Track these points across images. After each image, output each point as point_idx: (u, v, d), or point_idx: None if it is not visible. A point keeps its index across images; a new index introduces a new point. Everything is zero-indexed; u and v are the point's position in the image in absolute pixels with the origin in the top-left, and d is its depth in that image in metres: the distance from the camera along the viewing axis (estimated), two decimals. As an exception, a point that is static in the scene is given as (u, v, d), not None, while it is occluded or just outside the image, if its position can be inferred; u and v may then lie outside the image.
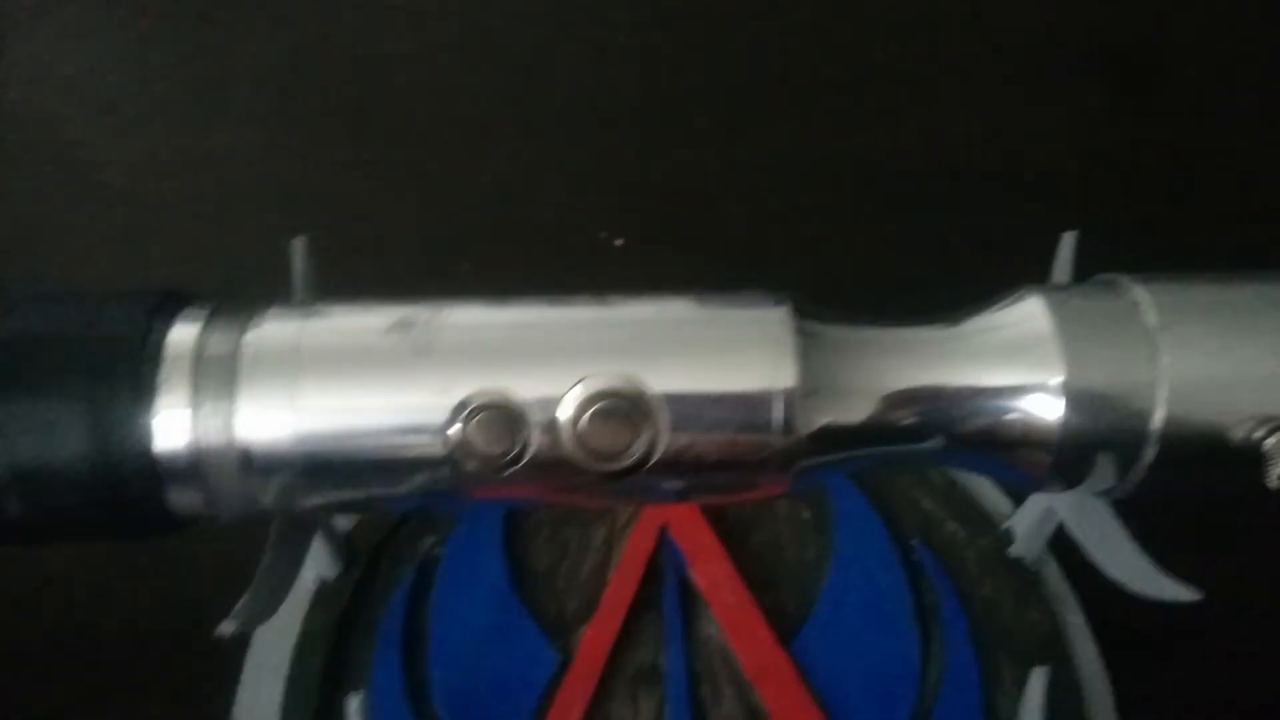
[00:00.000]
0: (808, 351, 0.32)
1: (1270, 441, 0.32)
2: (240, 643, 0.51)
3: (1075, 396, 0.32)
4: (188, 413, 0.31)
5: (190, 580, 0.52)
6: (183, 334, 0.32)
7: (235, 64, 0.82)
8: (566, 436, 0.31)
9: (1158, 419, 0.32)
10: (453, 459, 0.31)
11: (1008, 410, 0.33)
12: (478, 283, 0.35)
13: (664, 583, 0.53)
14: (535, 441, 0.31)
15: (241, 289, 0.35)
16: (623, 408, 0.31)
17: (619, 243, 0.77)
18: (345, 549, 0.52)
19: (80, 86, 0.80)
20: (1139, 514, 0.38)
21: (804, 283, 0.35)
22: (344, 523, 0.53)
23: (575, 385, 0.31)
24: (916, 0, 0.88)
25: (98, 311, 0.32)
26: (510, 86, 0.82)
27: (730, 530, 0.55)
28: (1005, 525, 0.55)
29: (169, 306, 0.33)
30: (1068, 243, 0.42)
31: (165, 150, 0.77)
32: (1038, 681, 0.49)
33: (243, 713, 0.49)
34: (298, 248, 0.40)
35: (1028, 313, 0.34)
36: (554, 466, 0.31)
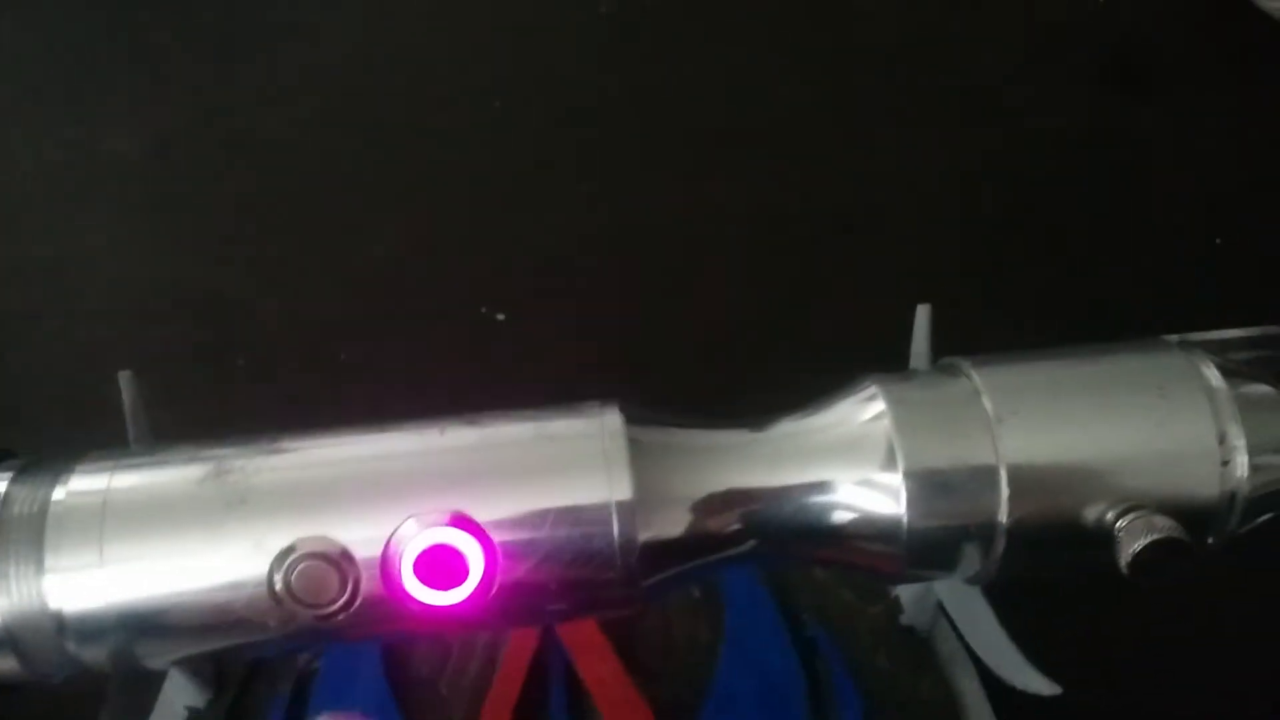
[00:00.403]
0: (638, 460, 0.31)
1: (1121, 524, 0.31)
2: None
3: (916, 486, 0.32)
4: (-6, 580, 0.30)
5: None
6: (-13, 495, 0.31)
7: (102, 157, 0.80)
8: (397, 576, 0.30)
9: (1004, 507, 0.32)
10: (280, 610, 0.30)
11: (848, 506, 0.33)
12: (355, 370, 0.34)
13: (550, 683, 0.52)
14: (365, 584, 0.30)
15: (94, 400, 0.34)
16: (454, 544, 0.30)
17: (500, 317, 0.76)
18: (214, 673, 0.50)
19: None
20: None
21: (684, 342, 0.35)
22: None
23: (404, 523, 0.30)
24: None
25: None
26: (380, 164, 0.81)
27: (618, 623, 0.54)
28: (894, 594, 0.55)
29: (-14, 457, 0.32)
30: (923, 315, 0.42)
31: (17, 258, 0.76)
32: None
33: None
34: (125, 383, 0.38)
35: (865, 404, 0.33)
36: (389, 606, 0.30)
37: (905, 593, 0.53)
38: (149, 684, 0.37)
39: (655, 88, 0.86)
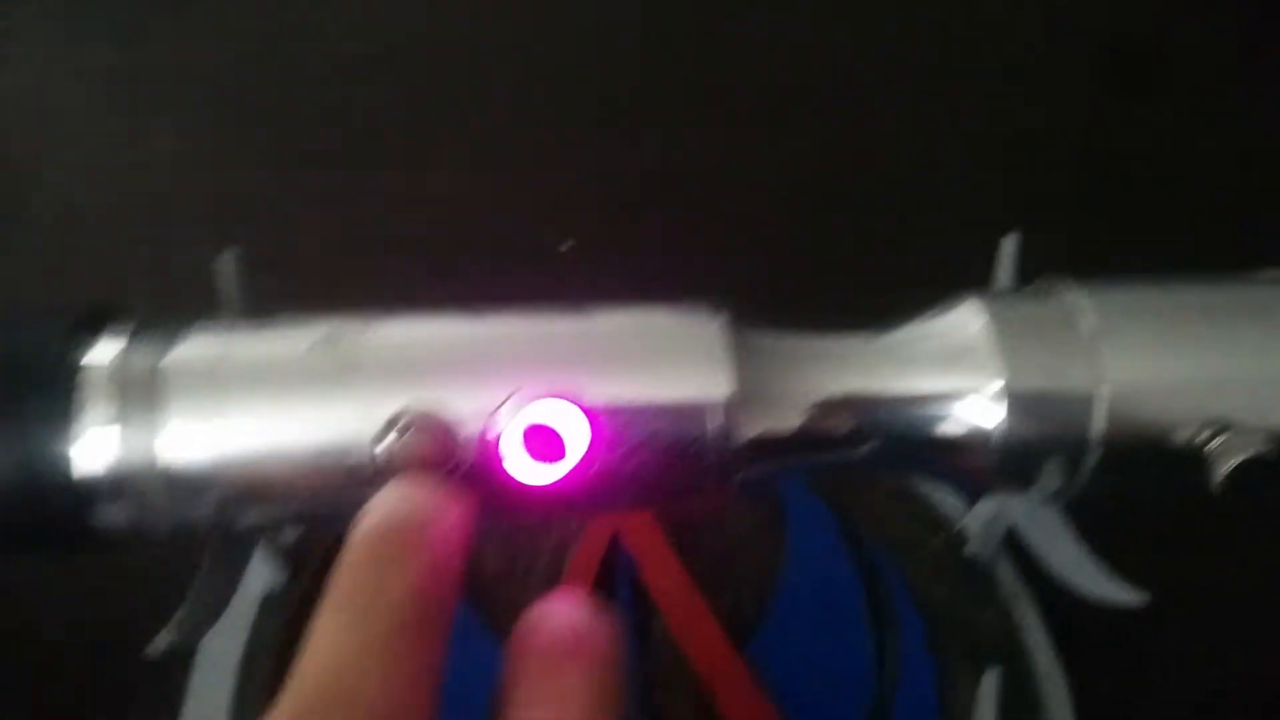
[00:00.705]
0: (744, 361, 0.32)
1: (1213, 445, 0.32)
2: (187, 656, 0.50)
3: (1015, 401, 0.32)
4: (110, 432, 0.30)
5: (137, 592, 0.51)
6: (104, 352, 0.31)
7: (176, 73, 0.81)
8: (500, 450, 0.31)
9: (1099, 423, 0.32)
10: (385, 475, 0.31)
11: (946, 416, 0.33)
12: (424, 291, 0.34)
13: (617, 587, 0.53)
14: (467, 456, 0.31)
15: (177, 299, 0.34)
16: (559, 419, 0.31)
17: (565, 247, 0.76)
18: (291, 560, 0.51)
19: (18, 97, 0.79)
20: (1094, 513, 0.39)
21: (753, 285, 0.35)
22: (288, 534, 0.53)
23: (509, 398, 0.31)
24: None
25: (16, 330, 0.32)
26: (453, 95, 0.82)
27: (683, 532, 0.55)
28: (958, 526, 0.55)
29: (90, 324, 0.32)
30: (1010, 246, 0.42)
31: (102, 160, 0.76)
32: (990, 685, 0.49)
33: (190, 711, 0.48)
34: (226, 262, 0.39)
35: (967, 318, 0.34)
36: (490, 480, 0.31)
37: (972, 523, 0.54)
38: (241, 554, 0.38)
39: (723, 42, 0.86)
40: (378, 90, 0.81)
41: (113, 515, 0.31)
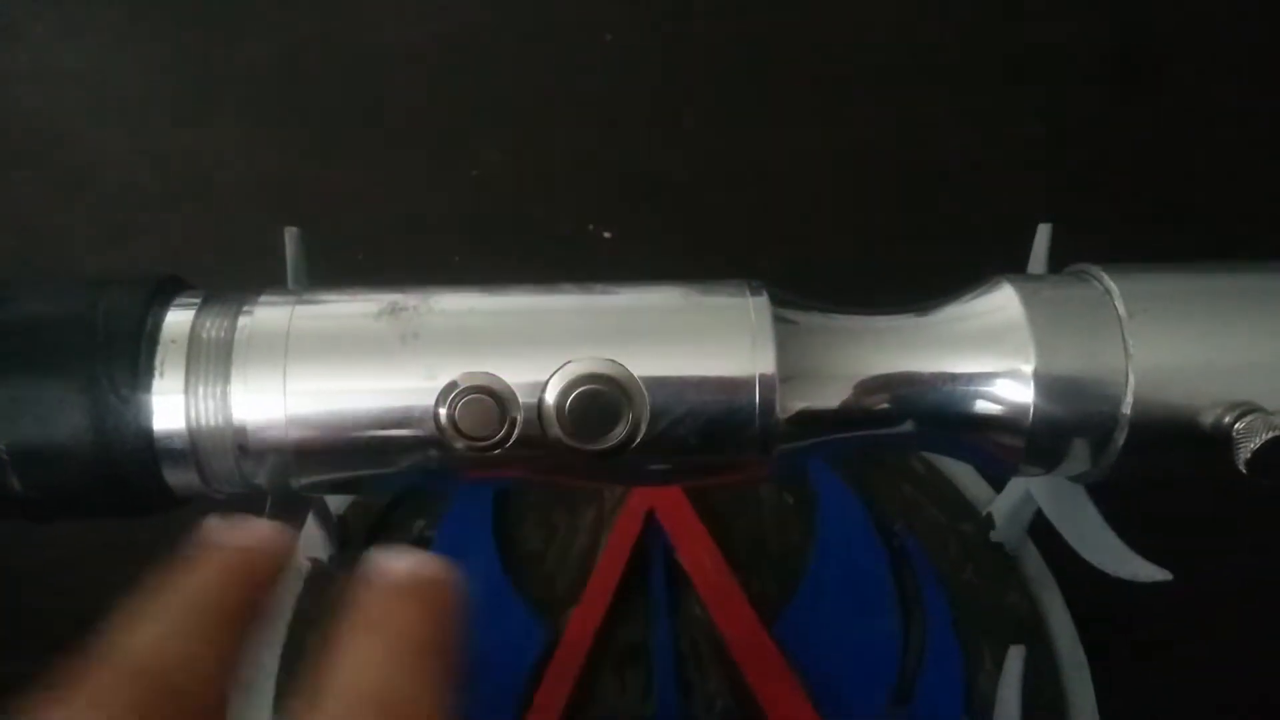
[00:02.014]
0: (785, 338, 0.33)
1: (1240, 425, 0.33)
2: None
3: (1046, 383, 0.33)
4: (183, 395, 0.32)
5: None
6: (179, 318, 0.33)
7: (231, 62, 0.82)
8: (552, 418, 0.32)
9: (1127, 405, 0.33)
10: (441, 440, 0.32)
11: (980, 396, 0.34)
12: (468, 274, 0.36)
13: (651, 565, 0.54)
14: (521, 423, 0.32)
15: (233, 279, 0.36)
16: (607, 391, 0.32)
17: (608, 235, 0.78)
18: (339, 532, 0.52)
19: (78, 83, 0.81)
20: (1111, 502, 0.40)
21: (785, 273, 0.36)
22: (337, 506, 0.54)
23: (561, 368, 0.32)
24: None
25: (96, 296, 0.33)
26: (497, 83, 0.83)
27: (715, 516, 0.56)
28: (986, 511, 0.56)
29: (165, 292, 0.34)
30: (1043, 234, 0.43)
31: (161, 144, 0.78)
32: (1015, 660, 0.50)
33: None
34: (290, 237, 0.41)
35: (1000, 301, 0.35)
36: (540, 447, 0.32)
37: (998, 509, 0.55)
38: (299, 516, 0.39)
39: (769, 32, 0.87)
40: (424, 77, 0.83)
41: (185, 474, 0.33)
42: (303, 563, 0.52)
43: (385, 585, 0.28)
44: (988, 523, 0.56)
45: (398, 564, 0.29)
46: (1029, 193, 0.78)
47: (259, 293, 0.34)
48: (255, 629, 0.28)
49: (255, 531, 0.30)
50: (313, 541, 0.51)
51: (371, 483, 0.34)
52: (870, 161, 0.81)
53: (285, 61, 0.82)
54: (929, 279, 0.38)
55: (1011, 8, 0.88)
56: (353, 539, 0.53)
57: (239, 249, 0.37)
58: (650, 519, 0.55)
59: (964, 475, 0.60)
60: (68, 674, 0.24)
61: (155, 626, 0.26)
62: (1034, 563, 0.56)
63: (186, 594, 0.27)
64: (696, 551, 0.54)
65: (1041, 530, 0.55)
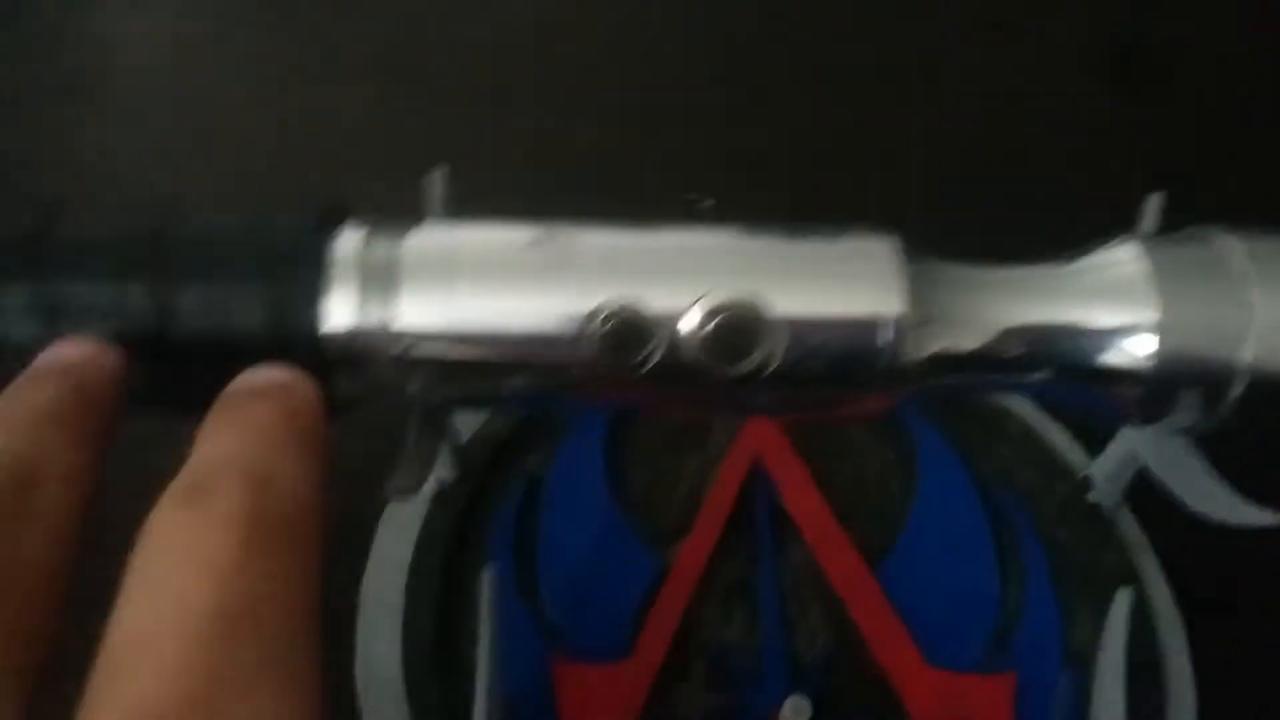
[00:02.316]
0: (918, 281, 0.35)
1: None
2: (365, 534, 0.54)
3: (1168, 336, 0.35)
4: (353, 306, 0.34)
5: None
6: (351, 237, 0.35)
7: (353, 28, 0.85)
8: (691, 343, 0.34)
9: (1246, 360, 0.34)
10: (586, 361, 0.34)
11: (1104, 347, 0.36)
12: None
13: (756, 508, 0.56)
14: (663, 346, 0.34)
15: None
16: (743, 320, 0.34)
17: (708, 204, 0.79)
18: (461, 458, 0.55)
19: (201, 48, 0.84)
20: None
21: None
22: (464, 432, 0.57)
23: (702, 297, 0.34)
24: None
25: (274, 216, 0.36)
26: (599, 61, 0.85)
27: (817, 467, 0.58)
28: (1085, 472, 0.57)
29: (336, 214, 0.36)
30: (1154, 204, 0.45)
31: (285, 106, 0.81)
32: (1122, 603, 0.52)
33: (370, 593, 0.53)
34: (437, 178, 0.43)
35: (1125, 257, 0.36)
36: (677, 371, 0.34)
37: (1098, 470, 0.56)
38: (442, 426, 0.42)
39: (857, 14, 0.88)
40: (530, 53, 0.85)
41: (348, 382, 0.35)
42: (431, 482, 0.54)
43: (239, 390, 0.30)
44: (1085, 484, 0.57)
45: (249, 377, 0.30)
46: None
47: (420, 219, 0.36)
48: (98, 442, 0.28)
49: (81, 348, 0.31)
50: (441, 465, 0.53)
51: (516, 399, 0.37)
52: (958, 141, 0.82)
53: (404, 32, 0.85)
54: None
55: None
56: (473, 469, 0.56)
57: (361, 202, 0.39)
58: (756, 464, 0.57)
59: (1060, 439, 0.61)
60: None
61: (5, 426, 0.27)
62: (1129, 525, 0.57)
63: (23, 405, 0.28)
64: (801, 497, 0.56)
65: (1136, 496, 0.56)
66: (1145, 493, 0.50)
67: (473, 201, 0.44)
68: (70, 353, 0.31)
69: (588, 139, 0.81)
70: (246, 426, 0.28)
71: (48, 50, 0.83)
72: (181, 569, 0.22)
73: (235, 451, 0.26)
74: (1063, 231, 0.40)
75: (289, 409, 0.30)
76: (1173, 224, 0.40)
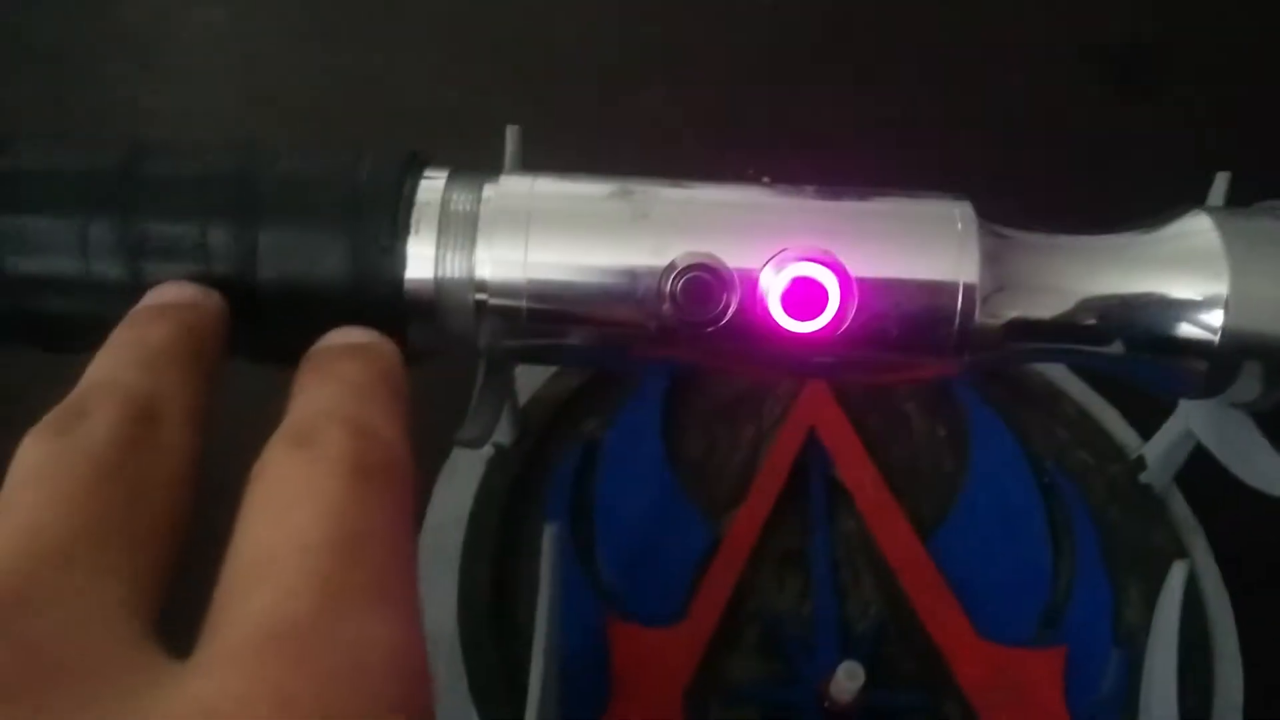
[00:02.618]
0: (993, 249, 0.35)
1: None
2: (422, 494, 0.55)
3: (1237, 309, 0.35)
4: (433, 253, 0.35)
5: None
6: (431, 185, 0.36)
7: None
8: (766, 300, 0.34)
9: (1314, 333, 0.35)
10: (661, 315, 0.35)
11: (1175, 319, 0.36)
12: None
13: (810, 478, 0.57)
14: (739, 301, 0.34)
15: None
16: (820, 277, 0.34)
17: (766, 179, 0.80)
18: (519, 420, 0.56)
19: (268, 6, 0.85)
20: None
21: None
22: (521, 397, 0.57)
23: (777, 255, 0.34)
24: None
25: (357, 161, 0.36)
26: (665, 35, 0.86)
27: (871, 442, 0.58)
28: (1138, 453, 0.58)
29: (417, 163, 0.37)
30: (1222, 180, 0.45)
31: (345, 66, 0.82)
32: (1178, 575, 0.52)
33: (427, 552, 0.53)
34: (512, 134, 0.43)
35: (1197, 228, 0.36)
36: (751, 328, 0.35)
37: (1151, 451, 0.56)
38: (509, 377, 0.42)
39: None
40: (595, 26, 0.86)
41: (425, 327, 0.36)
42: (487, 447, 0.55)
43: (329, 347, 0.32)
44: (1137, 465, 0.57)
45: (340, 335, 0.32)
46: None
47: (497, 173, 0.37)
48: (208, 375, 0.30)
49: (185, 290, 0.33)
50: (500, 428, 0.54)
51: (585, 353, 0.37)
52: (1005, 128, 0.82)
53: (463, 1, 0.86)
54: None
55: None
56: (531, 431, 0.56)
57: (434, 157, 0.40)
58: (811, 436, 0.57)
59: (1113, 420, 0.61)
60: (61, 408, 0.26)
61: (116, 364, 0.29)
62: (1180, 506, 0.57)
63: (143, 344, 0.30)
64: (855, 469, 0.56)
65: (1186, 479, 0.56)
66: (1196, 473, 0.50)
67: (532, 167, 0.45)
68: (177, 294, 0.33)
69: (648, 109, 0.81)
70: (343, 381, 0.30)
71: (107, 9, 0.84)
72: (296, 504, 0.23)
73: (336, 403, 0.28)
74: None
75: (380, 368, 0.31)
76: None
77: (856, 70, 0.85)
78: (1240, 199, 0.40)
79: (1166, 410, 0.53)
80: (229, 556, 0.23)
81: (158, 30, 0.83)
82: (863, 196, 0.36)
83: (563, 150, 0.75)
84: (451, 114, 0.79)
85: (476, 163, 0.43)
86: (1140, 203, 0.40)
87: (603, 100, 0.82)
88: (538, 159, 0.47)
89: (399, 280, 0.35)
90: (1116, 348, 0.37)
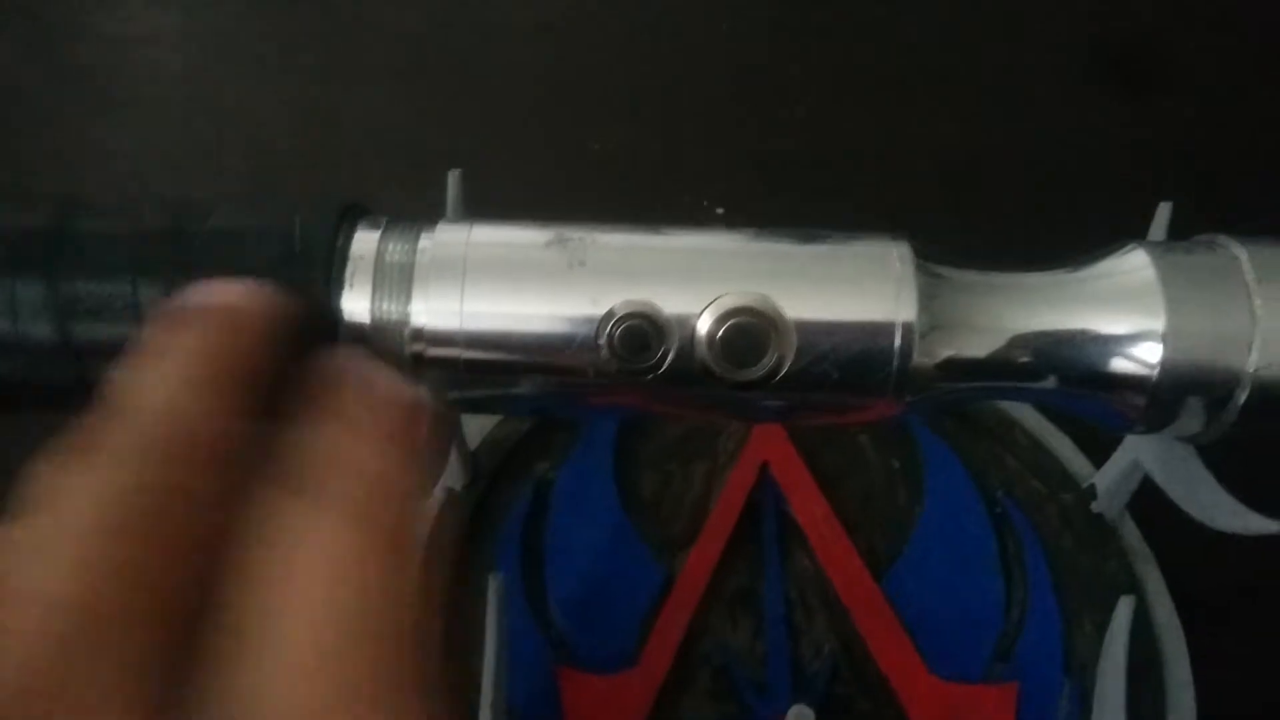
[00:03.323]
0: (930, 288, 0.35)
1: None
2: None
3: (1174, 343, 0.35)
4: (369, 306, 0.35)
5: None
6: (366, 237, 0.36)
7: (368, 29, 0.86)
8: (703, 347, 0.34)
9: (1250, 368, 0.35)
10: (600, 363, 0.35)
11: (1111, 354, 0.36)
12: None
13: (763, 516, 0.56)
14: (676, 349, 0.34)
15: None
16: (756, 324, 0.34)
17: (720, 211, 0.80)
18: (471, 463, 0.55)
19: (223, 43, 0.85)
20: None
21: None
22: (471, 439, 0.57)
23: (715, 301, 0.34)
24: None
25: (290, 214, 0.36)
26: (618, 66, 0.86)
27: (825, 476, 0.58)
28: (1089, 483, 0.58)
29: (352, 214, 0.37)
30: (1164, 211, 0.45)
31: (299, 103, 0.82)
32: (1124, 609, 0.52)
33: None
34: (453, 179, 0.43)
35: (1134, 264, 0.37)
36: (690, 375, 0.35)
37: (1102, 481, 0.56)
38: (454, 428, 0.42)
39: (873, 32, 0.90)
40: (548, 58, 0.86)
41: None
42: (438, 491, 0.54)
43: (351, 381, 0.29)
44: (1088, 494, 0.58)
45: (339, 362, 0.29)
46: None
47: (435, 220, 0.37)
48: (259, 388, 0.27)
49: (235, 289, 0.30)
50: (450, 472, 0.54)
51: (527, 402, 0.37)
52: (970, 151, 0.83)
53: (419, 33, 0.86)
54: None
55: None
56: (482, 474, 0.56)
57: (371, 202, 0.40)
58: (764, 472, 0.57)
59: (1065, 449, 0.61)
60: (83, 432, 0.23)
61: (165, 382, 0.25)
62: (1132, 534, 0.57)
63: (187, 351, 0.27)
64: (808, 505, 0.56)
65: (1138, 506, 0.57)
66: (1148, 502, 0.50)
67: (486, 204, 0.45)
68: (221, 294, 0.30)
69: (603, 143, 0.81)
70: (343, 417, 0.27)
71: (63, 47, 0.83)
72: (300, 564, 0.21)
73: (339, 444, 0.25)
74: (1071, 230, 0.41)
75: (386, 402, 0.28)
76: (1187, 222, 0.41)
77: (814, 102, 0.86)
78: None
79: (1118, 439, 0.54)
80: (225, 606, 0.21)
81: (113, 69, 0.82)
82: (801, 238, 0.36)
83: (514, 189, 0.76)
84: (407, 150, 0.79)
85: (432, 198, 0.43)
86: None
87: (557, 136, 0.82)
88: (493, 197, 0.47)
89: (334, 335, 0.35)
90: (1056, 385, 0.37)
